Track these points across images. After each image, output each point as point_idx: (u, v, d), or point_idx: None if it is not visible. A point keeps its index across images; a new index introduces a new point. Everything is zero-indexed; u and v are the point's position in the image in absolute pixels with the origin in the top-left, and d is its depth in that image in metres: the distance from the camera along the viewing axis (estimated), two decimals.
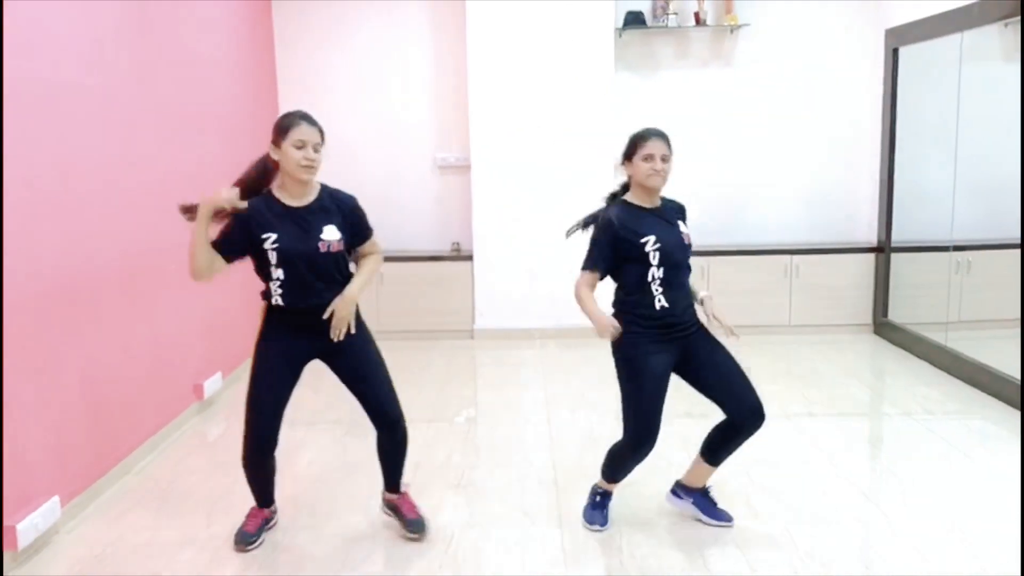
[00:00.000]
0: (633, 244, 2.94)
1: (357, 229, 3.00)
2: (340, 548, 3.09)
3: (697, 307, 3.07)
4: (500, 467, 3.85)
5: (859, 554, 3.02)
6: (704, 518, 3.20)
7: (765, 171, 6.40)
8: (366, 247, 3.07)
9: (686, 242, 3.02)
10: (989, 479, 3.60)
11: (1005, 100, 5.42)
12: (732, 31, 6.20)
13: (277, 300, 2.90)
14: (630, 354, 2.98)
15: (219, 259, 2.87)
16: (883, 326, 6.03)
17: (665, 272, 2.95)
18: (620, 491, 3.33)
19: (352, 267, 3.05)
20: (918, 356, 5.48)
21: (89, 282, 3.50)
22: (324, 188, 2.97)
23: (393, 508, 3.19)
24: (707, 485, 3.23)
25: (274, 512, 3.24)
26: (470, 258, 6.18)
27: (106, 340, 3.63)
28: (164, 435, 4.15)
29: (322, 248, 2.87)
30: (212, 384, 4.69)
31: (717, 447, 3.10)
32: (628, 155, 3.00)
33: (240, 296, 5.32)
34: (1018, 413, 4.34)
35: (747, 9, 6.15)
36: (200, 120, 4.73)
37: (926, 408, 4.55)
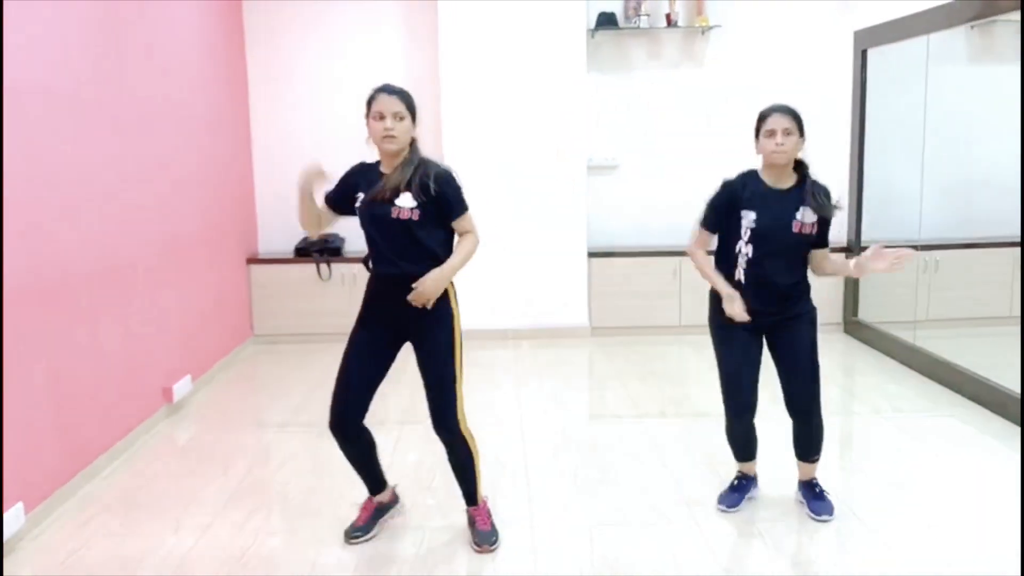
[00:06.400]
0: (733, 213, 3.03)
1: (442, 201, 2.88)
2: (311, 552, 3.05)
3: (857, 261, 3.12)
4: None
5: (832, 553, 3.04)
6: (806, 508, 3.26)
7: (735, 172, 6.40)
8: (460, 227, 2.96)
9: (795, 230, 3.00)
10: (959, 477, 3.64)
11: (971, 101, 5.52)
12: (703, 32, 6.23)
13: (370, 262, 2.96)
14: (716, 319, 3.12)
15: (328, 213, 3.03)
16: (853, 325, 6.09)
17: (755, 252, 3.02)
18: (594, 488, 3.33)
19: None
20: (887, 355, 5.54)
21: (56, 283, 3.44)
22: (417, 158, 2.91)
23: (470, 521, 3.13)
24: (812, 479, 3.29)
25: (391, 502, 3.22)
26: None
27: (73, 342, 3.57)
28: (132, 439, 4.08)
29: (393, 213, 2.84)
30: (181, 387, 4.63)
31: (794, 440, 3.25)
32: (756, 134, 3.06)
33: (211, 298, 5.27)
34: (986, 411, 4.39)
35: (718, 10, 6.19)
36: (170, 119, 4.67)
37: (895, 406, 4.60)
